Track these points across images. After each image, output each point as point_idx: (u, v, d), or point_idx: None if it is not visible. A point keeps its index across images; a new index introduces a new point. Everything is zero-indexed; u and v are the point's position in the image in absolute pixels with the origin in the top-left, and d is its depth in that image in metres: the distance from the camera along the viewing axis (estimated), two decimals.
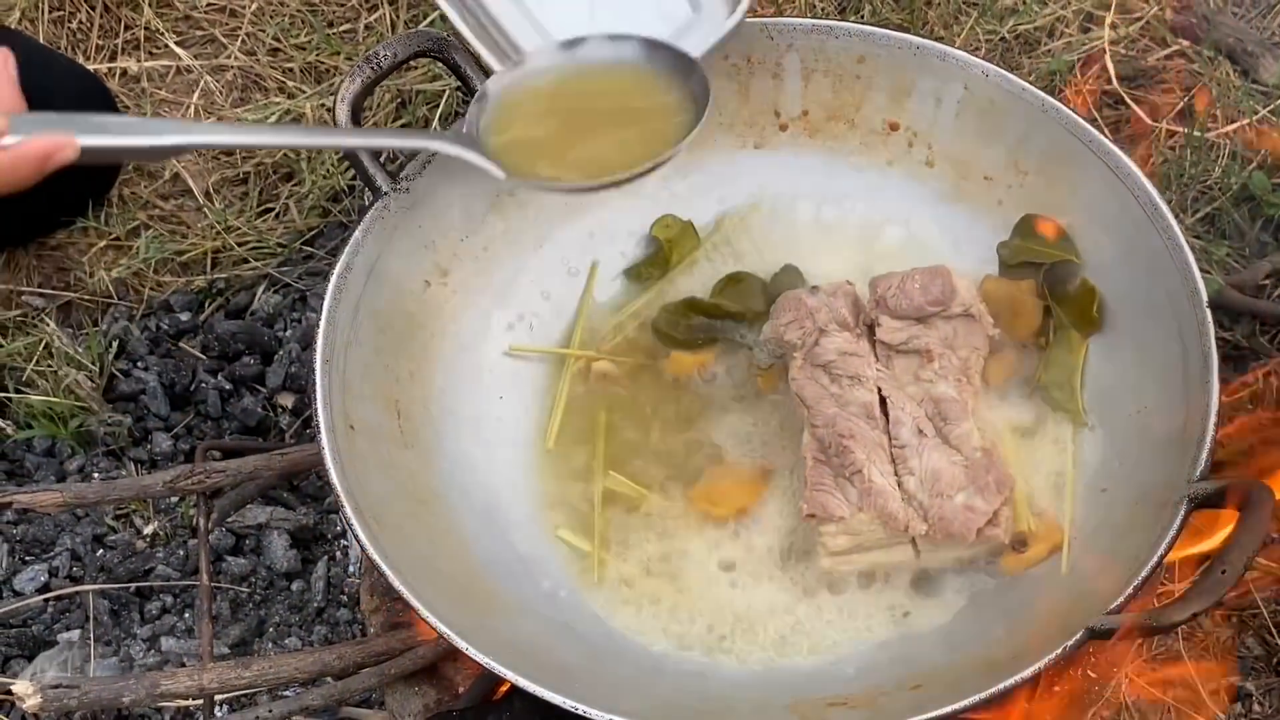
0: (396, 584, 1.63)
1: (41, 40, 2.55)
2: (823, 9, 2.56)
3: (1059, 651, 1.59)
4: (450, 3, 1.81)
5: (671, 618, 1.81)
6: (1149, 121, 2.42)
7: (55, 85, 2.35)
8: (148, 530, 2.23)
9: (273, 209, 2.45)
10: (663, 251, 1.99)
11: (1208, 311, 1.74)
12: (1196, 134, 2.38)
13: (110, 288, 2.39)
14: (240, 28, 2.60)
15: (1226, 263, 2.30)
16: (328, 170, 2.44)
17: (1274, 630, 2.05)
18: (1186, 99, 2.46)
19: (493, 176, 1.68)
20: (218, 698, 2.02)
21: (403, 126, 2.47)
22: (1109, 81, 2.43)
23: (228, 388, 2.33)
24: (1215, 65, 2.47)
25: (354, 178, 2.42)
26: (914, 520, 1.76)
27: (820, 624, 1.80)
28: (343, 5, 2.63)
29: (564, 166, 1.70)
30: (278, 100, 2.52)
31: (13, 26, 2.56)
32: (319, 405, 1.74)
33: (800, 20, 1.98)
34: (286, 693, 2.07)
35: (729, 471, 1.88)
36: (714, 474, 1.88)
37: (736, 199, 2.02)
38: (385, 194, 1.85)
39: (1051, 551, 1.79)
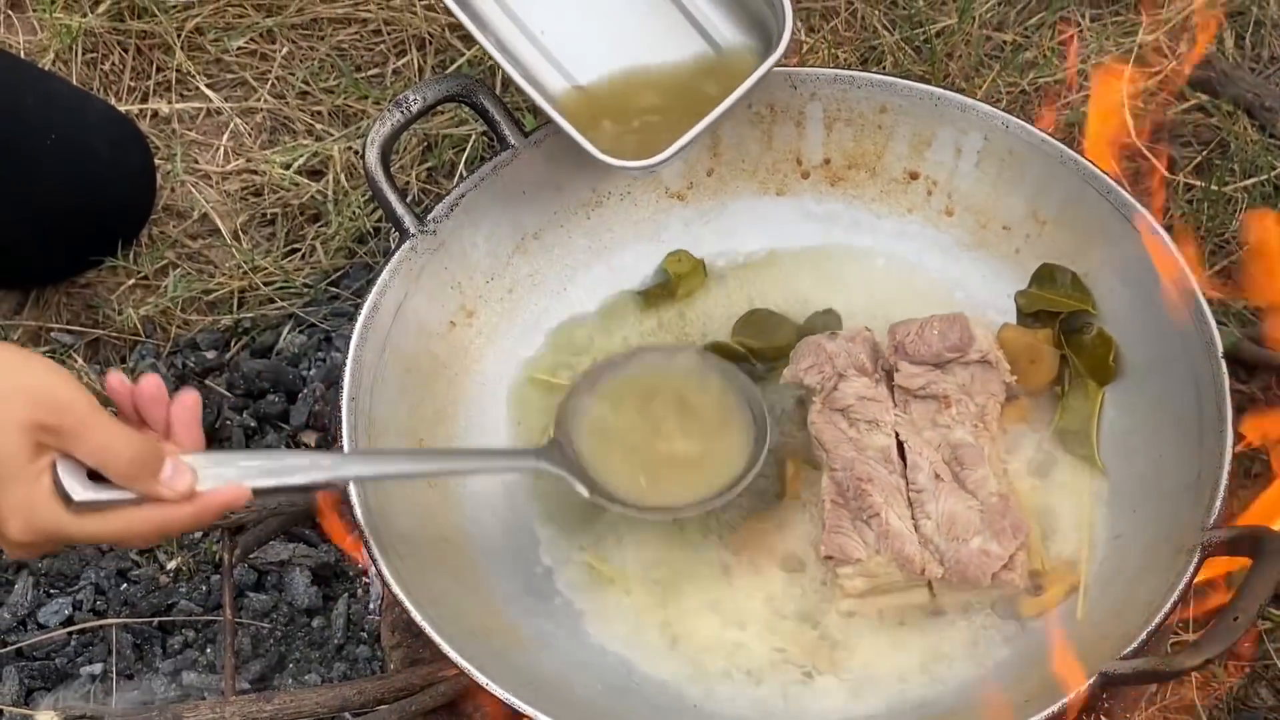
0: (418, 619, 1.65)
1: (75, 82, 2.58)
2: (845, 59, 2.58)
3: (1073, 695, 1.60)
4: (493, 45, 1.84)
5: (694, 657, 1.82)
6: (1167, 174, 2.44)
7: (89, 128, 2.39)
8: (171, 565, 2.25)
9: (299, 249, 2.48)
10: (670, 284, 2.02)
11: (1222, 362, 1.76)
12: (1214, 188, 2.40)
13: (138, 325, 2.42)
14: (270, 71, 2.64)
15: (1243, 315, 2.32)
16: (354, 212, 2.46)
17: None
18: (1204, 153, 2.48)
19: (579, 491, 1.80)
20: None
21: (429, 170, 2.50)
22: (1128, 135, 2.46)
23: (252, 425, 2.35)
24: (1233, 120, 2.50)
25: (380, 219, 2.44)
26: (930, 563, 1.77)
27: (841, 669, 1.81)
28: (371, 50, 2.66)
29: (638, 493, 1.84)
30: (306, 143, 2.55)
31: (46, 68, 2.59)
32: (345, 443, 1.77)
33: (823, 70, 2.01)
34: None
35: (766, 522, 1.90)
36: (754, 526, 1.89)
37: (757, 244, 2.05)
38: (412, 235, 1.88)
39: (1068, 594, 1.80)
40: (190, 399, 1.60)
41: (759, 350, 1.96)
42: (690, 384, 1.90)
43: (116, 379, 1.59)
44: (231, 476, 1.59)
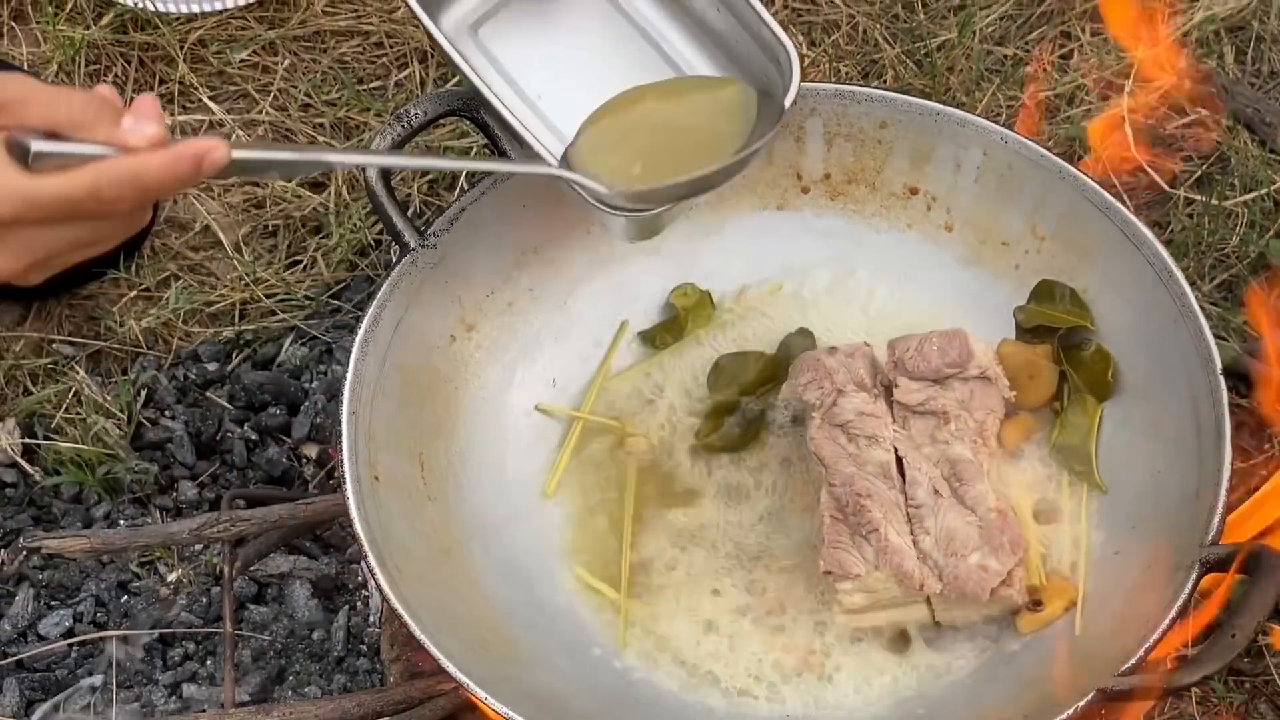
0: (417, 632, 1.66)
1: None
2: (846, 73, 2.59)
3: (1070, 712, 1.60)
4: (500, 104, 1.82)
5: (692, 671, 1.83)
6: (1167, 189, 2.44)
7: None
8: (172, 577, 2.25)
9: (301, 261, 2.48)
10: (679, 319, 2.03)
11: (1221, 378, 1.76)
12: (1214, 202, 2.40)
13: (140, 337, 2.42)
14: (272, 84, 2.64)
15: (1244, 330, 2.32)
16: (355, 224, 2.47)
17: None
18: (1204, 167, 2.48)
19: (595, 191, 1.72)
20: None
21: (430, 182, 2.50)
22: (1128, 149, 2.46)
23: (253, 438, 2.36)
24: (1234, 134, 2.50)
25: (382, 232, 2.45)
26: (929, 579, 1.77)
27: (839, 683, 1.82)
28: (373, 63, 2.67)
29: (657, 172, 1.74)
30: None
31: (49, 80, 2.60)
32: (345, 456, 1.77)
33: (824, 85, 2.01)
34: None
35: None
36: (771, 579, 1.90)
37: (757, 259, 2.05)
38: (413, 249, 1.88)
39: (1066, 609, 1.81)
40: (148, 96, 1.50)
41: (741, 396, 1.98)
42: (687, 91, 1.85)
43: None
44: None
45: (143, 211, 1.53)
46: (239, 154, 1.49)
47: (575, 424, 1.98)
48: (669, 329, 2.03)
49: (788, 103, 1.75)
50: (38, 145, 1.41)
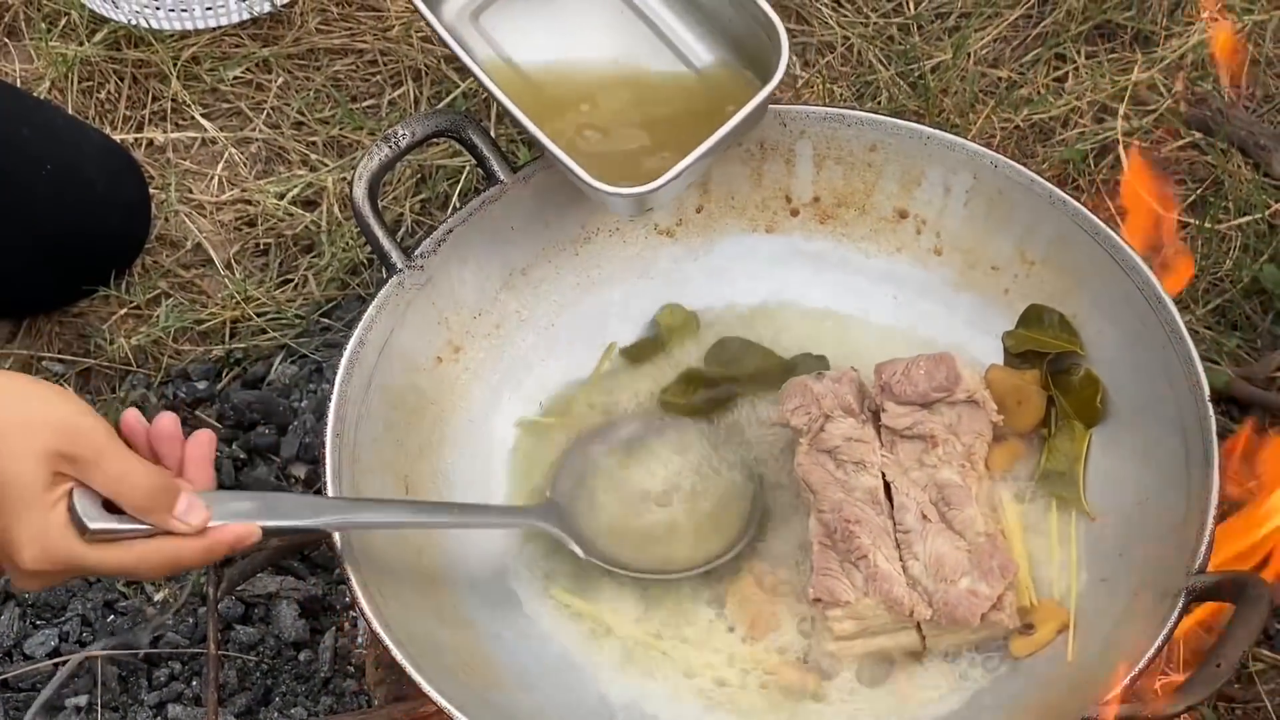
0: (398, 656, 1.65)
1: (70, 110, 2.59)
2: (841, 95, 2.59)
3: None
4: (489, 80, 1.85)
5: (677, 694, 1.82)
6: (1161, 212, 2.44)
7: (84, 157, 2.39)
8: (158, 597, 2.25)
9: (292, 280, 2.48)
10: (661, 337, 2.02)
11: (1209, 405, 1.76)
12: (1208, 226, 2.40)
13: (129, 355, 2.41)
14: (265, 101, 2.64)
15: (1237, 354, 2.32)
16: (347, 243, 2.46)
17: None
18: (1199, 190, 2.48)
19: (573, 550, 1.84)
20: None
21: (422, 201, 2.50)
22: (1122, 172, 2.46)
23: (242, 457, 2.35)
24: (1228, 158, 2.49)
25: (373, 252, 2.44)
26: (919, 605, 1.77)
27: (828, 708, 1.81)
28: (367, 81, 2.67)
29: (633, 555, 1.88)
30: (300, 173, 2.55)
31: (42, 97, 2.60)
32: (329, 478, 1.77)
33: (813, 108, 2.01)
34: None
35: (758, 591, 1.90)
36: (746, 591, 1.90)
37: (746, 281, 2.05)
38: (400, 270, 1.88)
39: (1059, 632, 1.80)
40: (205, 437, 1.64)
41: (729, 378, 1.97)
42: (689, 454, 1.94)
43: (133, 416, 1.62)
44: (241, 515, 1.62)
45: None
46: (268, 525, 1.64)
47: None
48: (652, 346, 2.03)
49: (777, 77, 1.81)
50: (94, 525, 1.54)
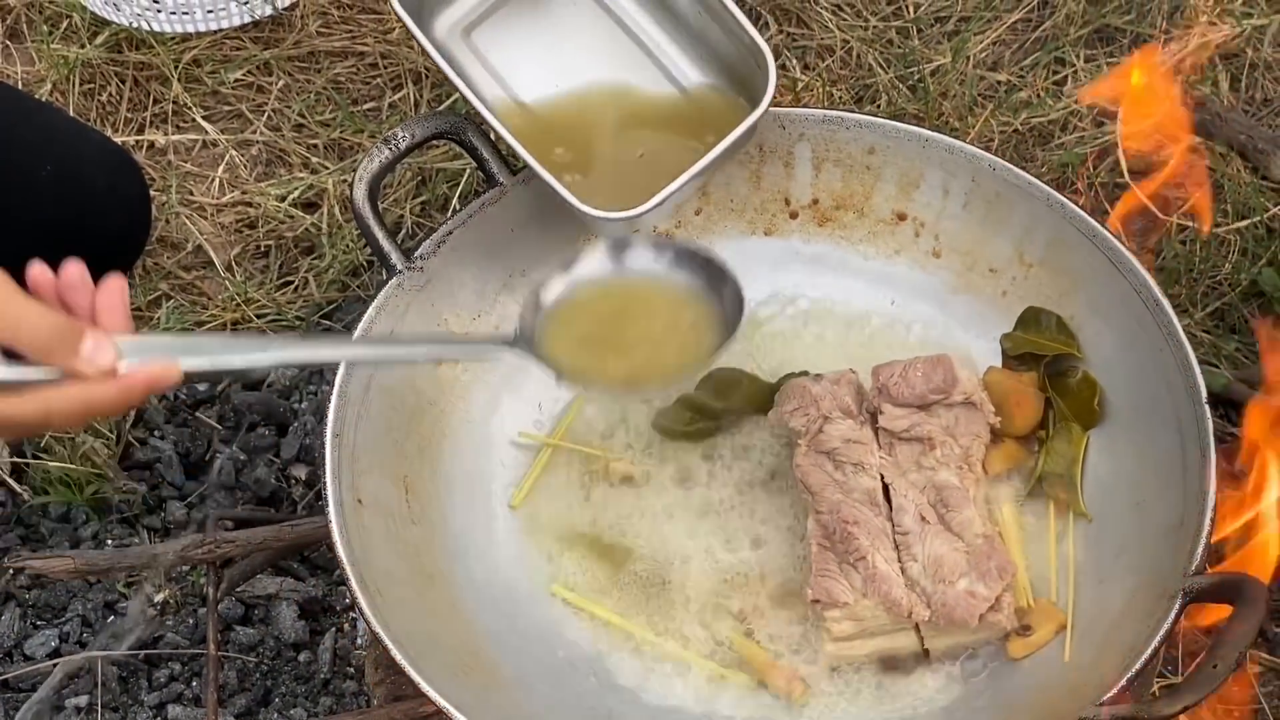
0: (398, 657, 1.65)
1: (71, 112, 2.59)
2: (840, 98, 2.59)
3: None
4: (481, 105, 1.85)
5: (675, 697, 1.82)
6: (1160, 216, 2.44)
7: (85, 159, 2.39)
8: (158, 598, 2.25)
9: (292, 282, 2.49)
10: None
11: (1206, 407, 1.76)
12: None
13: None
14: (266, 104, 2.65)
15: (1235, 358, 2.32)
16: (348, 245, 2.47)
17: None
18: (1197, 194, 2.48)
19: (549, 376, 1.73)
20: None
21: (422, 203, 2.50)
22: (1121, 175, 2.46)
23: (242, 458, 2.36)
24: (1227, 162, 2.50)
25: (373, 254, 2.45)
26: (917, 606, 1.77)
27: (827, 708, 1.81)
28: (368, 84, 2.68)
29: (607, 376, 1.76)
30: (301, 175, 2.56)
31: (44, 99, 2.60)
32: (328, 479, 1.77)
33: (811, 111, 2.01)
34: None
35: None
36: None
37: (745, 284, 2.03)
38: (399, 272, 1.89)
39: (1056, 633, 1.80)
40: (115, 283, 1.55)
41: (722, 409, 1.97)
42: (655, 278, 1.83)
43: (38, 269, 1.54)
44: (158, 353, 1.53)
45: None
46: (190, 366, 1.52)
47: (545, 447, 1.98)
48: None
49: (764, 102, 1.81)
50: None
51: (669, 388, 1.85)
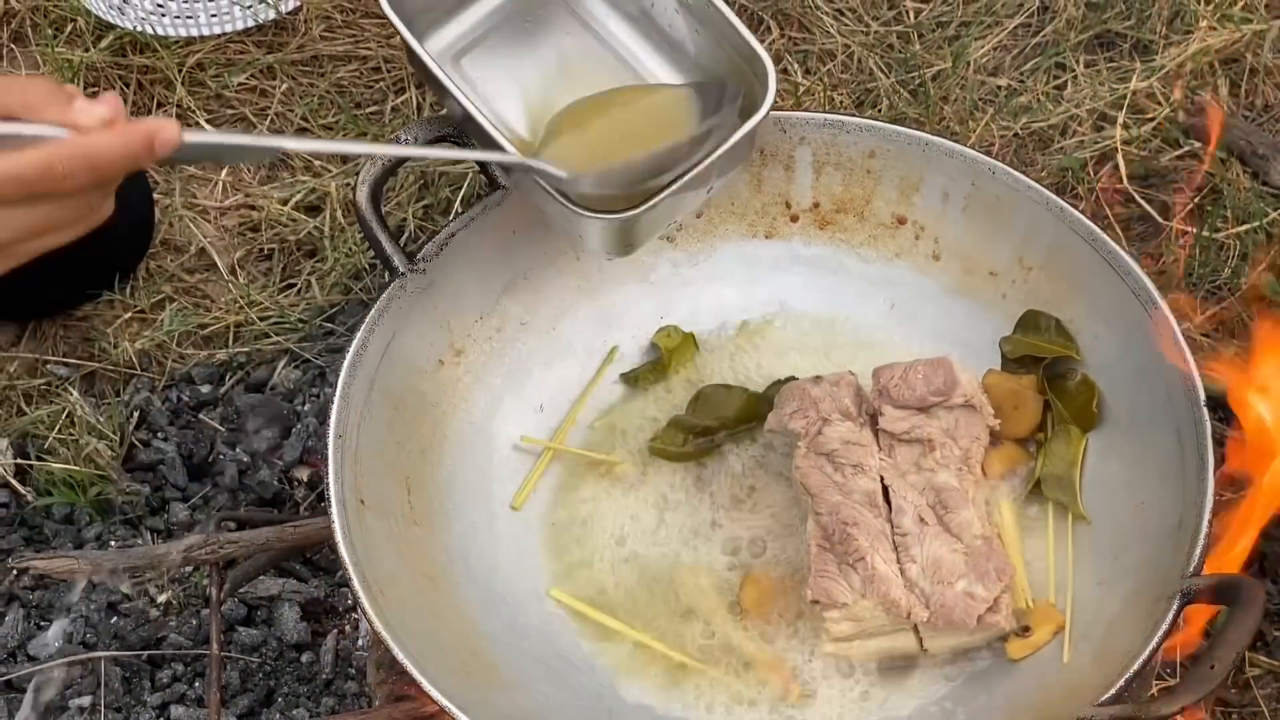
0: (400, 656, 1.66)
1: None
2: (841, 102, 2.60)
3: None
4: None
5: (677, 690, 1.83)
6: (1160, 220, 2.45)
7: None
8: (161, 599, 2.26)
9: (295, 285, 2.50)
10: (662, 360, 2.03)
11: (1204, 410, 1.77)
12: (1206, 234, 2.41)
13: (134, 359, 2.43)
14: (270, 107, 2.66)
15: (1235, 362, 2.32)
16: (350, 248, 2.48)
17: None
18: (1197, 199, 2.49)
19: (554, 177, 1.74)
20: None
21: (425, 207, 2.51)
22: (1121, 180, 2.47)
23: (245, 460, 2.36)
24: (1226, 167, 2.51)
25: (376, 257, 2.46)
26: (916, 607, 1.78)
27: (827, 708, 1.82)
28: (370, 87, 2.68)
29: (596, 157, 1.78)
30: (304, 179, 2.57)
31: None
32: (331, 480, 1.78)
33: (812, 114, 2.02)
34: None
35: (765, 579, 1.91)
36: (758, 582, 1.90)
37: (746, 287, 2.06)
38: (402, 274, 1.89)
39: (1055, 634, 1.81)
40: (112, 95, 1.52)
41: (716, 427, 1.98)
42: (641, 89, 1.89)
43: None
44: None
45: (104, 201, 1.54)
46: (190, 137, 1.52)
47: (547, 450, 1.99)
48: (652, 370, 2.04)
49: (764, 108, 1.79)
50: None
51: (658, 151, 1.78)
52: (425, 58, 1.83)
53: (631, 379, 2.04)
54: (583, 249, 1.98)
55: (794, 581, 1.88)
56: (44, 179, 1.46)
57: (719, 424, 1.98)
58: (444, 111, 1.89)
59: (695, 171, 1.78)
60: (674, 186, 1.78)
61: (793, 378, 1.98)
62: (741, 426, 1.98)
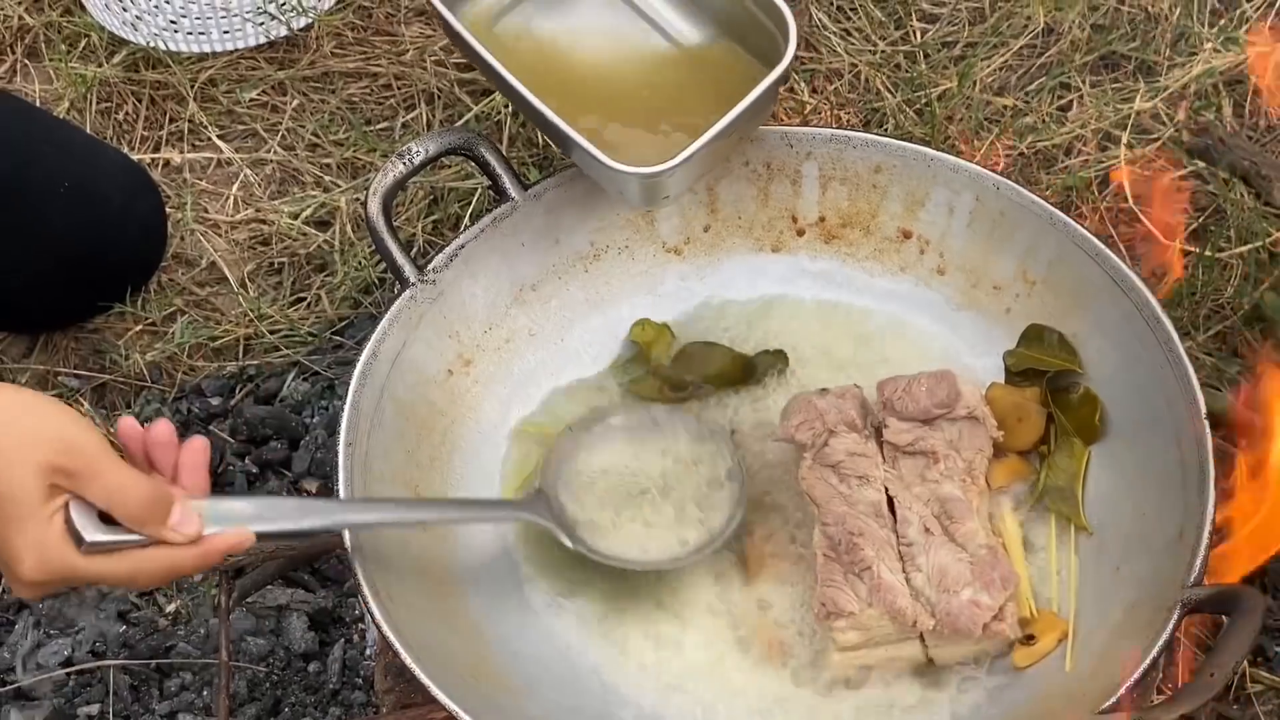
0: (408, 660, 1.67)
1: (88, 130, 2.62)
2: (848, 121, 2.61)
3: None
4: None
5: (684, 702, 1.84)
6: (1163, 240, 2.46)
7: (102, 176, 2.42)
8: (170, 608, 2.27)
9: (305, 299, 2.51)
10: (642, 352, 2.05)
11: (1205, 423, 1.78)
12: (1209, 254, 2.42)
13: (144, 371, 2.44)
14: (281, 123, 2.67)
15: (1238, 380, 2.33)
16: (360, 262, 2.49)
17: None
18: (1200, 219, 2.50)
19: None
20: None
21: (434, 222, 2.53)
22: (1125, 200, 2.48)
23: (255, 471, 2.38)
24: (1230, 187, 2.52)
25: (385, 270, 2.47)
26: (922, 615, 1.79)
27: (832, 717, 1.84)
28: (381, 104, 2.70)
29: (619, 544, 1.90)
30: (314, 194, 2.58)
31: (61, 117, 2.63)
32: (341, 487, 1.80)
33: (819, 130, 2.04)
34: None
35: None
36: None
37: (752, 299, 2.07)
38: (412, 284, 1.91)
39: (1059, 642, 1.82)
40: (199, 444, 1.65)
41: (697, 380, 2.00)
42: (678, 444, 1.95)
43: (129, 424, 1.63)
44: (235, 520, 1.64)
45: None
46: (260, 528, 1.66)
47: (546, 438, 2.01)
48: (635, 362, 2.06)
49: (786, 60, 1.86)
50: (91, 537, 1.55)
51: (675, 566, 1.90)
52: (463, 32, 1.88)
53: (619, 369, 2.06)
54: (616, 199, 2.01)
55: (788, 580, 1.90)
56: (128, 584, 1.63)
57: (699, 379, 2.00)
58: (461, 122, 1.92)
59: (722, 125, 1.85)
60: (704, 139, 1.84)
61: (780, 351, 2.01)
62: (720, 382, 2.01)
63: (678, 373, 2.01)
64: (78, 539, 1.54)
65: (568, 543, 1.85)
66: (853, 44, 2.71)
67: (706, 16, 1.97)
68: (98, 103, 2.68)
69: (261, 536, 1.66)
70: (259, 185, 2.63)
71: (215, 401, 2.44)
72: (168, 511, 1.58)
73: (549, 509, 1.86)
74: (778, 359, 2.02)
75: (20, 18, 2.78)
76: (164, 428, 1.63)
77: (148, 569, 1.59)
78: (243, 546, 1.64)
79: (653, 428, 1.95)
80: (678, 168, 1.84)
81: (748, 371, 2.01)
